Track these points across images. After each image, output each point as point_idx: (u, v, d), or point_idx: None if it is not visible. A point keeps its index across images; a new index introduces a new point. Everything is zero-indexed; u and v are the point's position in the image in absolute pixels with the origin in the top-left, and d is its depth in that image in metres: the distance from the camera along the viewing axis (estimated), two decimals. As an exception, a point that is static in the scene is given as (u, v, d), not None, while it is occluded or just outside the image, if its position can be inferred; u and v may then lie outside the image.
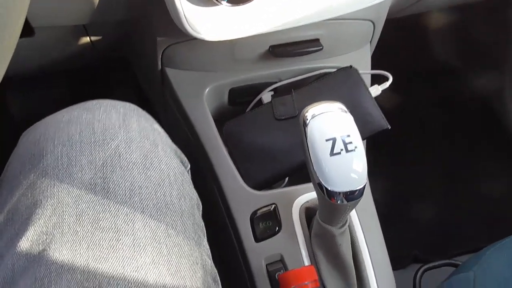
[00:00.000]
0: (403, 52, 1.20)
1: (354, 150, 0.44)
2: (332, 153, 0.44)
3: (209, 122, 0.61)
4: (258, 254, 0.54)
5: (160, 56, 0.64)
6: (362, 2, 0.54)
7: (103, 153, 0.39)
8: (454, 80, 1.23)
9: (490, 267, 0.53)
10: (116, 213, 0.37)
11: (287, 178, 0.65)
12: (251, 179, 0.59)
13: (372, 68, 0.70)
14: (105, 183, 0.38)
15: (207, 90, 0.64)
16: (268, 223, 0.55)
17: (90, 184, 0.38)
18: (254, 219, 0.55)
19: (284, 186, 0.65)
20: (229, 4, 0.48)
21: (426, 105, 1.20)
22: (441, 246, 1.00)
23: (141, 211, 0.37)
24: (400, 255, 0.98)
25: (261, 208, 0.56)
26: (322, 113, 0.45)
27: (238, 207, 0.56)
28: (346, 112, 0.46)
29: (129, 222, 0.37)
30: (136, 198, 0.38)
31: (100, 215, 0.37)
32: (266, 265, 0.54)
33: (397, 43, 1.16)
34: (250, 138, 0.61)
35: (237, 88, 0.66)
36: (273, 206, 0.56)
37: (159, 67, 0.66)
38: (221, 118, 0.66)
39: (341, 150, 0.44)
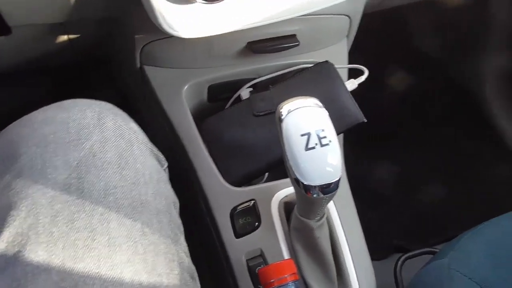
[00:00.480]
0: (382, 45, 1.22)
1: (328, 144, 0.45)
2: (307, 148, 0.45)
3: (188, 119, 0.61)
4: (238, 249, 0.55)
5: (139, 54, 0.64)
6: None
7: (78, 153, 0.39)
8: (434, 70, 1.25)
9: (464, 253, 0.54)
10: (91, 213, 0.37)
11: (267, 174, 0.65)
12: (230, 176, 0.60)
13: (350, 62, 0.71)
14: (80, 183, 0.38)
15: (186, 87, 0.64)
16: (248, 218, 0.56)
17: (65, 185, 0.38)
18: (234, 215, 0.56)
19: (265, 182, 0.66)
20: (204, 2, 0.48)
21: (406, 96, 1.21)
22: (423, 235, 1.02)
23: (116, 211, 0.38)
24: (382, 245, 1.00)
25: (240, 204, 0.57)
26: (297, 108, 0.46)
27: (217, 203, 0.57)
28: (320, 107, 0.47)
29: (104, 222, 0.37)
30: (111, 198, 0.38)
31: (75, 215, 0.37)
32: (246, 260, 0.54)
33: (375, 37, 1.17)
34: (229, 134, 0.61)
35: (216, 84, 0.66)
36: (252, 202, 0.57)
37: (138, 65, 0.65)
38: (201, 115, 0.66)
39: (316, 144, 0.45)
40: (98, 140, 0.40)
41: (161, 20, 0.50)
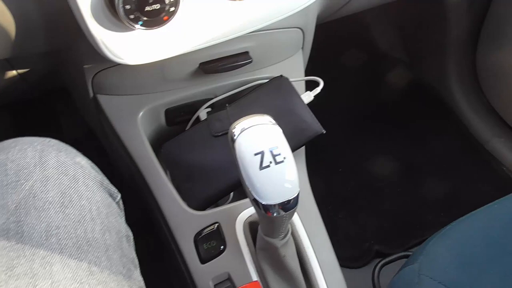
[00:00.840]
0: (342, 52, 1.23)
1: (283, 161, 0.44)
2: (261, 167, 0.44)
3: (144, 146, 0.60)
4: (204, 275, 0.53)
5: (90, 84, 0.63)
6: (278, 12, 0.54)
7: (16, 195, 0.38)
8: (399, 70, 1.27)
9: (432, 256, 0.54)
10: (32, 257, 0.35)
11: (232, 194, 0.64)
12: (193, 200, 0.59)
13: (307, 74, 0.71)
14: (19, 227, 0.36)
15: (141, 113, 0.63)
16: (212, 243, 0.54)
17: (3, 230, 0.36)
18: (198, 240, 0.55)
19: (230, 201, 0.65)
20: (144, 28, 0.47)
21: (374, 98, 1.22)
22: (401, 238, 1.02)
23: (60, 252, 0.36)
24: (362, 252, 0.99)
25: (204, 228, 0.55)
26: (249, 127, 0.45)
27: (180, 230, 0.55)
28: (273, 124, 0.46)
29: (46, 265, 0.35)
30: (53, 239, 0.37)
31: (15, 261, 0.35)
32: (214, 286, 0.53)
33: (334, 45, 1.18)
34: (189, 157, 0.60)
35: (173, 108, 0.65)
36: (216, 225, 0.55)
37: (91, 94, 0.64)
38: (160, 140, 0.65)
39: (270, 162, 0.44)
40: (39, 180, 0.39)
41: (105, 50, 0.50)
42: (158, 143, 0.64)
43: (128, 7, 0.46)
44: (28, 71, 0.70)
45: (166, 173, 0.60)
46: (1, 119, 1.06)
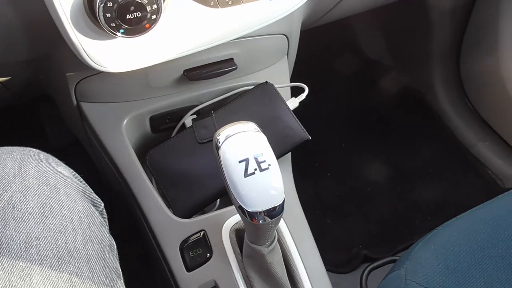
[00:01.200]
0: (331, 57, 1.24)
1: (268, 168, 0.44)
2: (246, 174, 0.44)
3: (129, 153, 0.60)
4: (191, 283, 0.53)
5: (73, 92, 0.62)
6: (261, 19, 0.54)
7: None
8: (386, 77, 1.28)
9: (419, 261, 0.54)
10: (11, 270, 0.35)
11: (218, 201, 0.64)
12: (179, 207, 0.58)
13: (294, 80, 0.71)
14: None
15: (125, 121, 0.62)
16: (198, 250, 0.54)
17: None
18: (184, 248, 0.54)
19: (217, 208, 0.64)
20: (125, 36, 0.47)
21: (361, 104, 1.23)
22: (389, 242, 1.03)
23: (39, 264, 0.35)
24: (350, 256, 1.00)
25: (190, 236, 0.55)
26: (233, 135, 0.45)
27: (166, 238, 0.55)
28: (258, 131, 0.46)
29: (25, 277, 0.35)
30: (33, 250, 0.36)
31: None
32: (200, 294, 0.53)
33: (320, 50, 1.19)
34: (174, 164, 0.60)
35: (157, 115, 0.65)
36: (202, 232, 0.55)
37: (74, 102, 0.63)
38: (146, 147, 0.64)
39: (255, 169, 0.44)
40: (18, 190, 0.38)
41: (86, 58, 0.49)
42: (143, 151, 0.63)
43: (108, 15, 0.45)
44: (10, 79, 0.69)
45: (151, 180, 0.60)
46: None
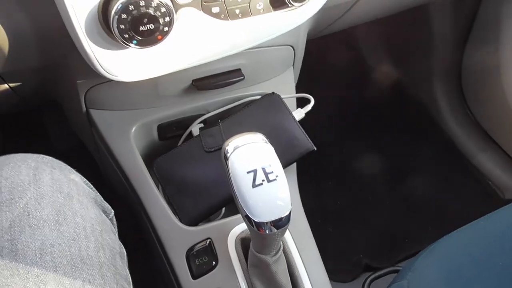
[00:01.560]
0: (330, 67, 1.25)
1: (275, 179, 0.45)
2: (254, 185, 0.44)
3: (137, 160, 0.60)
4: (196, 291, 0.53)
5: (83, 99, 0.63)
6: (269, 32, 0.55)
7: (11, 213, 0.38)
8: (388, 86, 1.29)
9: (422, 273, 0.55)
10: (26, 276, 0.35)
11: (223, 209, 0.65)
12: (186, 215, 0.59)
13: (299, 88, 0.72)
14: (13, 245, 0.36)
15: (133, 128, 0.63)
16: (204, 258, 0.55)
17: None
18: (190, 256, 0.55)
19: (222, 217, 0.65)
20: (138, 47, 0.48)
21: (363, 114, 1.24)
22: (390, 251, 1.03)
23: (54, 270, 0.36)
24: (351, 265, 1.00)
25: (196, 244, 0.56)
26: (242, 145, 0.46)
27: (172, 245, 0.56)
28: (266, 142, 0.47)
29: (40, 284, 0.35)
30: (47, 257, 0.37)
31: (9, 280, 0.35)
32: (206, 302, 0.53)
33: (322, 60, 1.20)
34: (181, 173, 0.61)
35: (165, 123, 0.65)
36: (208, 241, 0.56)
37: (84, 109, 0.64)
38: (153, 155, 0.65)
39: (263, 180, 0.44)
40: (33, 197, 0.39)
41: (99, 67, 0.50)
42: (150, 158, 0.64)
43: (122, 26, 0.46)
44: (19, 84, 0.70)
45: (158, 188, 0.60)
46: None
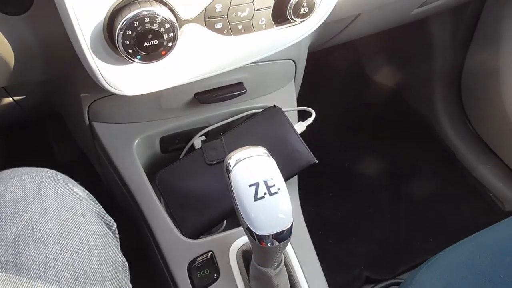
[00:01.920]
0: (335, 77, 1.26)
1: (277, 192, 0.45)
2: (256, 198, 0.45)
3: (139, 173, 0.61)
4: (198, 304, 0.53)
5: (87, 112, 0.64)
6: (271, 47, 0.56)
7: (15, 227, 0.38)
8: (389, 98, 1.30)
9: (423, 285, 0.55)
10: None
11: (225, 221, 0.65)
12: (187, 227, 0.59)
13: (300, 101, 0.73)
14: (17, 259, 0.37)
15: (136, 141, 0.63)
16: (206, 271, 0.55)
17: (1, 262, 0.36)
18: (192, 269, 0.55)
19: (223, 229, 0.65)
20: (142, 62, 0.48)
21: (363, 126, 1.25)
22: (391, 264, 1.03)
23: (57, 284, 0.36)
24: (352, 278, 1.00)
25: (198, 257, 0.56)
26: (244, 159, 0.46)
27: (174, 258, 0.56)
28: (267, 156, 0.47)
29: None
30: (51, 271, 0.37)
31: None
32: (207, 315, 0.53)
33: (326, 68, 1.21)
34: (183, 185, 0.61)
35: (167, 136, 0.66)
36: (209, 253, 0.56)
37: (87, 122, 0.65)
38: (155, 167, 0.66)
39: (265, 194, 0.45)
40: (37, 211, 0.39)
41: (103, 81, 0.51)
42: (153, 170, 0.65)
43: (127, 42, 0.47)
44: (23, 97, 0.70)
45: (160, 200, 0.61)
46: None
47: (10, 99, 0.69)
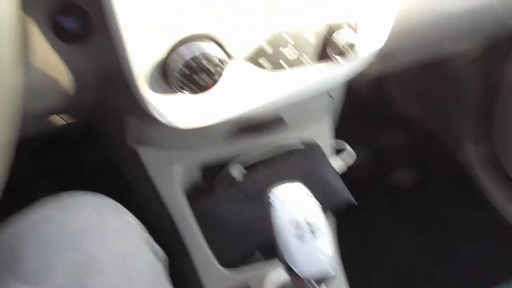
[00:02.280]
0: (365, 113, 1.25)
1: (320, 235, 0.46)
2: (299, 238, 0.46)
3: (181, 200, 0.62)
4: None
5: (130, 134, 0.66)
6: (320, 88, 0.58)
7: (78, 255, 0.40)
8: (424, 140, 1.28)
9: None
10: None
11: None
12: (223, 257, 0.61)
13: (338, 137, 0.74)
14: (78, 287, 0.38)
15: (178, 168, 0.65)
16: (242, 302, 0.56)
17: None
18: (228, 299, 0.56)
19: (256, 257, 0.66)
20: (191, 93, 0.50)
21: (396, 165, 1.23)
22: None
23: None
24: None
25: (235, 288, 0.57)
26: (288, 197, 0.47)
27: (211, 287, 0.57)
28: (311, 196, 0.48)
29: None
30: None
31: None
32: None
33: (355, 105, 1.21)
34: (222, 216, 0.63)
35: (206, 164, 0.68)
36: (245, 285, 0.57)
37: (129, 143, 0.67)
38: (192, 194, 0.67)
39: (307, 234, 0.46)
40: (97, 241, 0.41)
41: (155, 113, 0.53)
42: (191, 197, 0.66)
43: (180, 77, 0.49)
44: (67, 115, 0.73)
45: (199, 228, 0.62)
46: (23, 152, 1.08)
47: (57, 117, 0.72)
